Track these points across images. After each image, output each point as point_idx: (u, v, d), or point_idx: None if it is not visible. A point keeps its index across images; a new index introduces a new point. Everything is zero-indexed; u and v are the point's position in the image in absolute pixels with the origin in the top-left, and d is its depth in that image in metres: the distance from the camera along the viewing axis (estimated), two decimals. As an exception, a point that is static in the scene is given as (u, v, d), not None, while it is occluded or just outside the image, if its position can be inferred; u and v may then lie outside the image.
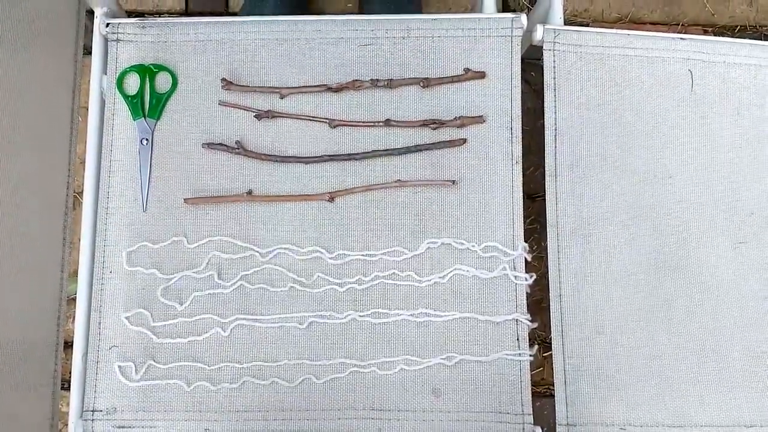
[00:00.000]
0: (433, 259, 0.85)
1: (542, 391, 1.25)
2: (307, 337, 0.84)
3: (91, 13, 0.90)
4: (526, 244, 0.85)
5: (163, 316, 0.84)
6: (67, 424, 0.84)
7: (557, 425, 0.82)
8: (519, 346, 0.84)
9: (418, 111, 0.87)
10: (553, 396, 0.83)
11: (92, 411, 0.82)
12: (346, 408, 0.83)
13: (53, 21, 0.87)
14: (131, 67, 0.88)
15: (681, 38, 0.90)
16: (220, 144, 0.86)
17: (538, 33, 0.88)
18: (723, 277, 0.87)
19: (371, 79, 0.87)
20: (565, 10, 0.92)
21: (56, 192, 0.87)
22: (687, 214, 0.88)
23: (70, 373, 0.84)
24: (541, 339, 1.17)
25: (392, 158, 0.86)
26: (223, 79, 0.87)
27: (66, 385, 0.85)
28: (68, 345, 0.84)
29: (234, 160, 0.87)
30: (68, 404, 0.84)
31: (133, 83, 0.88)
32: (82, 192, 0.87)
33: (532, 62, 1.17)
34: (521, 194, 0.86)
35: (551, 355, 0.84)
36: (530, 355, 0.83)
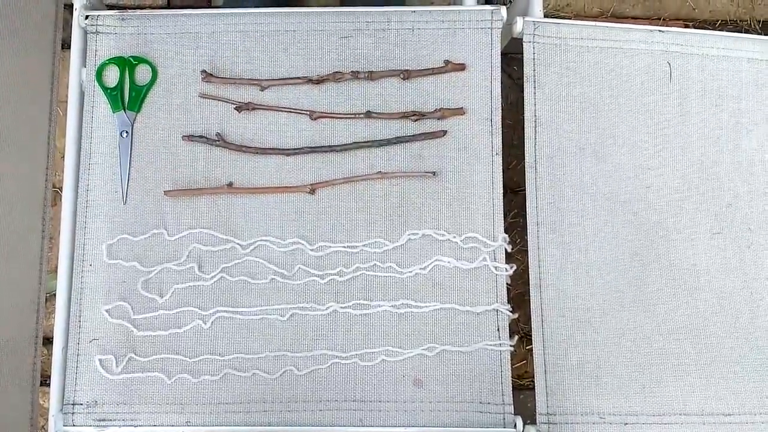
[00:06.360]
0: (414, 251, 0.85)
1: (526, 384, 1.25)
2: (289, 329, 0.84)
3: (70, 6, 0.90)
4: (506, 235, 0.85)
5: (144, 309, 0.84)
6: (47, 419, 0.83)
7: (537, 415, 0.82)
8: (499, 337, 0.84)
9: (398, 103, 0.88)
10: (537, 388, 0.84)
11: (72, 404, 0.82)
12: (328, 399, 0.83)
13: (31, 14, 0.86)
14: (111, 59, 0.88)
15: (659, 31, 0.91)
16: (201, 136, 0.86)
17: (518, 25, 0.88)
18: (701, 267, 0.88)
19: (352, 71, 0.87)
20: (547, 5, 0.92)
21: (35, 186, 0.86)
22: (666, 205, 0.89)
23: (50, 369, 0.84)
24: (525, 332, 1.18)
25: (373, 150, 0.87)
26: (204, 71, 0.87)
27: (46, 381, 0.84)
28: (49, 341, 0.84)
29: (214, 152, 0.86)
30: (49, 400, 0.83)
31: (112, 76, 0.88)
32: (62, 187, 0.87)
33: (515, 56, 1.17)
34: (501, 186, 0.86)
35: (534, 347, 0.84)
36: (510, 345, 0.84)
